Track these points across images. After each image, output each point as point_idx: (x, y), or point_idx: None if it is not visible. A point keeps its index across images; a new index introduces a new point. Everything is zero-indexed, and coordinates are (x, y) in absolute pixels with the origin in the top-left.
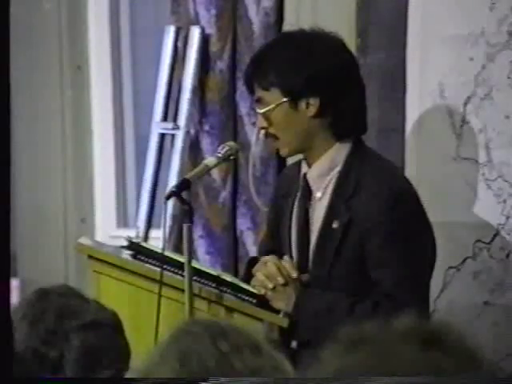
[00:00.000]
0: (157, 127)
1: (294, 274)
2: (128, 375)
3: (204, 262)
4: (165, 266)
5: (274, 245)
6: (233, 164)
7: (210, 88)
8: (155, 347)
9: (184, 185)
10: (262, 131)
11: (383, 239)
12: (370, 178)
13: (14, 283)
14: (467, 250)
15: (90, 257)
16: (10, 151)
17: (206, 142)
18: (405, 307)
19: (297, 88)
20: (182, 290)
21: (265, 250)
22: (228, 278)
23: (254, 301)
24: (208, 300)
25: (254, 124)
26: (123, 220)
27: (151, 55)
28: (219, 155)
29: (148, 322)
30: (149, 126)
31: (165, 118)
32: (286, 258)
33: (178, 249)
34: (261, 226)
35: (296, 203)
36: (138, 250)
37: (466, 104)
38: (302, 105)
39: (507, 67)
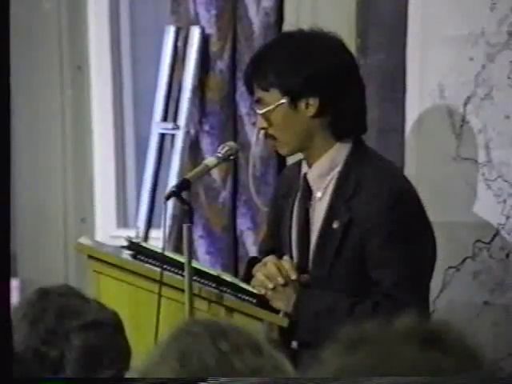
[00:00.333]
0: (157, 127)
1: (293, 276)
2: (128, 375)
3: (204, 262)
4: (165, 266)
5: (274, 245)
6: (233, 164)
7: (210, 88)
8: (155, 347)
9: (184, 185)
10: (262, 131)
11: (383, 239)
12: (371, 178)
13: (14, 283)
14: (467, 249)
15: (90, 257)
16: (10, 151)
17: (205, 142)
18: (405, 307)
19: (296, 88)
20: (182, 290)
21: (265, 250)
22: (228, 277)
23: (254, 301)
24: (208, 300)
25: (254, 124)
26: (123, 220)
27: (151, 55)
28: (219, 155)
29: (148, 322)
30: (149, 126)
31: (165, 118)
32: (285, 258)
33: (178, 249)
34: (261, 226)
35: (296, 203)
36: (137, 250)
37: (465, 104)
38: (302, 105)
39: (507, 67)
